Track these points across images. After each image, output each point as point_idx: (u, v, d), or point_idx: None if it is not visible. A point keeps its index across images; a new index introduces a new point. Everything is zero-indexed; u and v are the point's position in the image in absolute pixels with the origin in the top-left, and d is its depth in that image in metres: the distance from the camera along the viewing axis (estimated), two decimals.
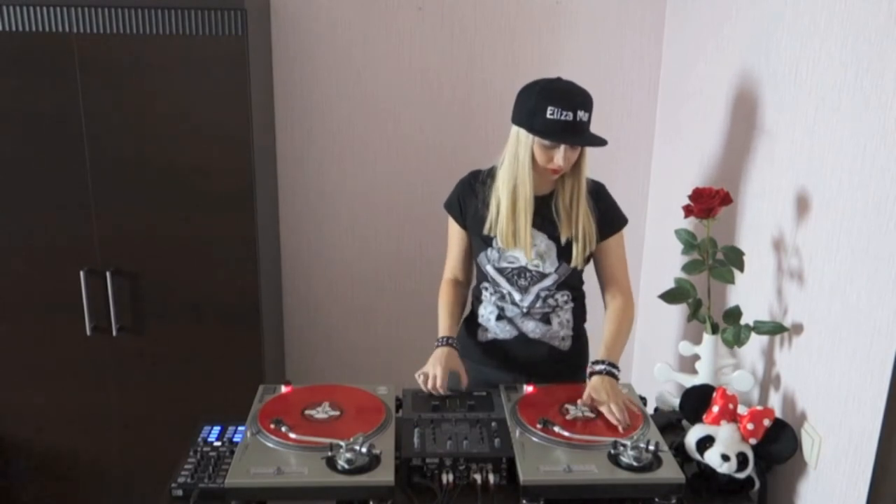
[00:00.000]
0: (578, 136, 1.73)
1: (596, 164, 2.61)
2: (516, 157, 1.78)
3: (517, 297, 1.92)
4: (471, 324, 2.03)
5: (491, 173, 1.88)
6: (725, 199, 1.72)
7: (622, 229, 1.92)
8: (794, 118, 1.65)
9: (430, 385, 1.79)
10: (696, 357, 1.81)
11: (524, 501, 1.47)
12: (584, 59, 2.53)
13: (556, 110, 1.70)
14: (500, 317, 1.96)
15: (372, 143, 2.60)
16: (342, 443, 1.48)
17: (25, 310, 2.29)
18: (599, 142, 1.74)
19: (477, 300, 2.01)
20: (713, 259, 1.76)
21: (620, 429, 1.63)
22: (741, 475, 1.55)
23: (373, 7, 2.46)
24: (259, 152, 2.24)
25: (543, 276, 1.89)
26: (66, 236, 2.22)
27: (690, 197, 1.74)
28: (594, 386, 1.73)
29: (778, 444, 1.56)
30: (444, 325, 1.93)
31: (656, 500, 1.48)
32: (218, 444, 1.66)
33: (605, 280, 1.95)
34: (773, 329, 1.67)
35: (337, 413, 1.67)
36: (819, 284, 1.55)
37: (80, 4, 2.03)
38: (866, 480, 1.38)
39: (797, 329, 1.63)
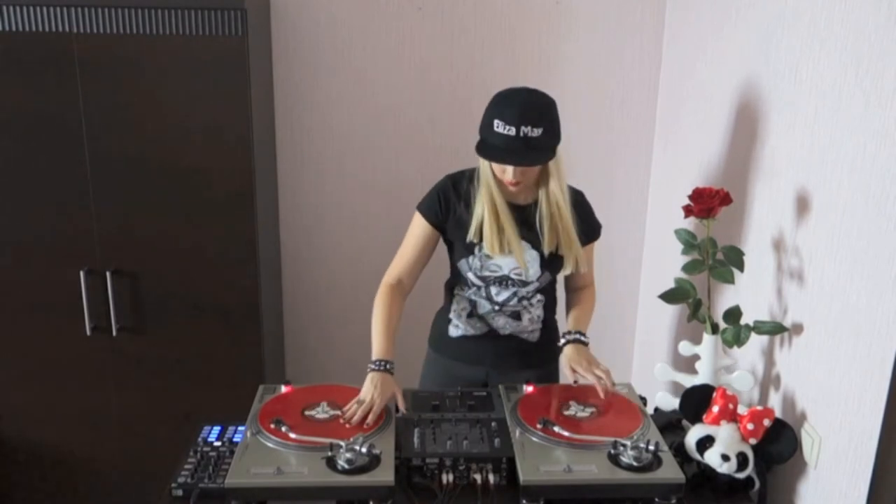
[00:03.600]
0: (516, 153, 1.68)
1: (596, 165, 2.64)
2: (483, 166, 1.79)
3: (494, 291, 1.90)
4: (442, 318, 2.02)
5: (473, 176, 1.85)
6: (725, 199, 1.72)
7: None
8: (794, 118, 1.65)
9: (357, 418, 1.62)
10: (696, 357, 1.81)
11: (524, 501, 1.47)
12: (584, 59, 2.53)
13: (502, 124, 1.67)
14: (472, 314, 1.94)
15: (372, 143, 2.60)
16: (342, 443, 1.48)
17: (25, 310, 2.29)
18: (534, 160, 1.70)
19: (450, 295, 1.99)
20: (713, 259, 1.76)
21: (610, 385, 1.72)
22: (741, 475, 1.55)
23: (373, 7, 2.47)
24: (259, 152, 2.24)
25: (525, 283, 1.89)
26: (66, 236, 2.22)
27: (690, 197, 1.74)
28: (570, 356, 1.80)
29: (778, 444, 1.56)
30: (382, 346, 1.77)
31: (656, 500, 1.48)
32: (218, 444, 1.66)
33: (575, 284, 2.00)
34: (773, 329, 1.67)
35: (337, 413, 1.67)
36: (819, 284, 1.55)
37: (80, 4, 2.03)
38: (866, 480, 1.38)
39: (797, 329, 1.63)
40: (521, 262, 1.83)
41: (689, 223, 2.01)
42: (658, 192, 2.61)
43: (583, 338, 1.86)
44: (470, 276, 1.89)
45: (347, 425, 1.62)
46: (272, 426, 1.58)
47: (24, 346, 2.32)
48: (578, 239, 1.86)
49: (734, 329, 1.72)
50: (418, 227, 1.90)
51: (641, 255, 2.74)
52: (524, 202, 1.85)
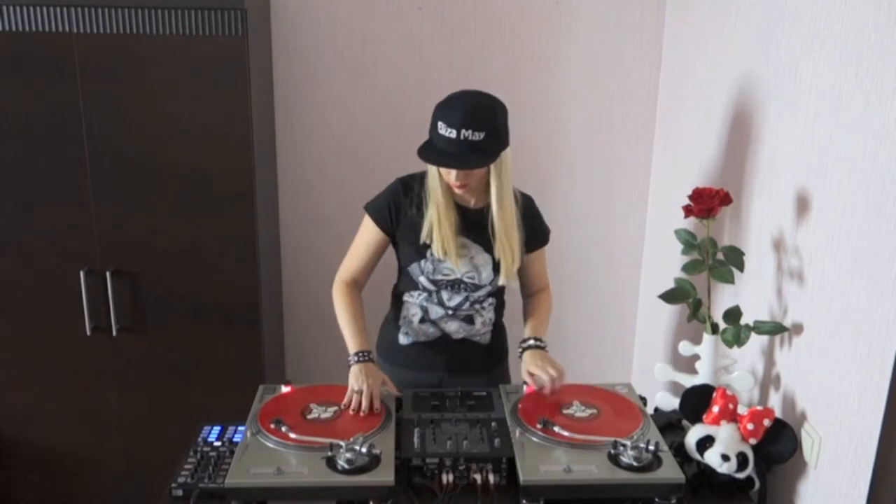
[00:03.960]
0: (455, 157, 1.67)
1: (596, 165, 2.63)
2: (431, 168, 1.78)
3: (445, 296, 1.88)
4: (390, 326, 1.99)
5: (424, 178, 1.84)
6: (725, 199, 1.72)
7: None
8: (794, 118, 1.65)
9: (365, 405, 1.67)
10: (696, 357, 1.81)
11: (524, 501, 1.47)
12: (584, 59, 2.53)
13: (444, 126, 1.67)
14: (424, 319, 1.92)
15: (372, 143, 2.59)
16: (342, 443, 1.48)
17: (25, 310, 2.29)
18: (472, 164, 1.68)
19: (399, 301, 1.96)
20: (713, 259, 1.76)
21: (558, 384, 1.74)
22: (741, 475, 1.55)
23: (373, 7, 2.47)
24: (259, 152, 2.24)
25: (477, 287, 1.88)
26: (66, 236, 2.22)
27: (690, 197, 1.74)
28: (527, 361, 1.80)
29: (778, 444, 1.56)
30: (357, 338, 1.83)
31: (656, 500, 1.48)
32: (218, 444, 1.66)
33: (529, 287, 1.99)
34: (773, 329, 1.67)
35: (337, 410, 1.67)
36: (819, 284, 1.55)
37: (80, 4, 2.03)
38: (866, 480, 1.38)
39: (797, 329, 1.63)
40: (455, 263, 1.82)
41: (689, 223, 2.01)
42: (658, 192, 2.61)
43: (540, 343, 1.86)
44: (422, 279, 1.87)
45: (361, 414, 1.65)
46: (272, 426, 1.58)
47: (24, 346, 2.32)
48: (525, 246, 1.85)
49: (734, 329, 1.72)
50: (368, 230, 1.89)
51: (641, 255, 2.74)
52: (476, 206, 1.85)
